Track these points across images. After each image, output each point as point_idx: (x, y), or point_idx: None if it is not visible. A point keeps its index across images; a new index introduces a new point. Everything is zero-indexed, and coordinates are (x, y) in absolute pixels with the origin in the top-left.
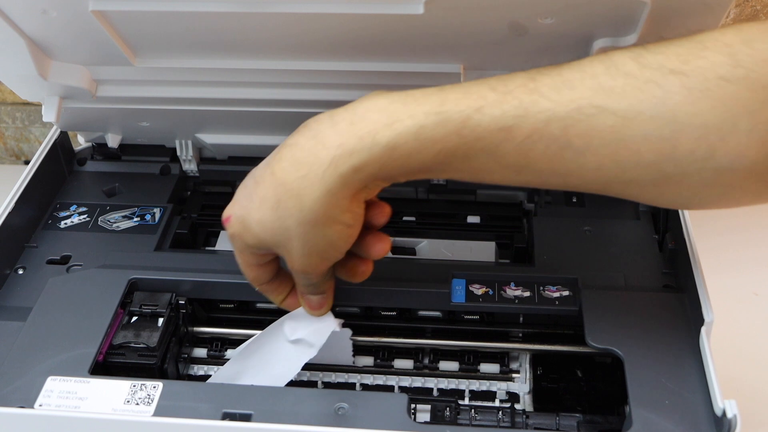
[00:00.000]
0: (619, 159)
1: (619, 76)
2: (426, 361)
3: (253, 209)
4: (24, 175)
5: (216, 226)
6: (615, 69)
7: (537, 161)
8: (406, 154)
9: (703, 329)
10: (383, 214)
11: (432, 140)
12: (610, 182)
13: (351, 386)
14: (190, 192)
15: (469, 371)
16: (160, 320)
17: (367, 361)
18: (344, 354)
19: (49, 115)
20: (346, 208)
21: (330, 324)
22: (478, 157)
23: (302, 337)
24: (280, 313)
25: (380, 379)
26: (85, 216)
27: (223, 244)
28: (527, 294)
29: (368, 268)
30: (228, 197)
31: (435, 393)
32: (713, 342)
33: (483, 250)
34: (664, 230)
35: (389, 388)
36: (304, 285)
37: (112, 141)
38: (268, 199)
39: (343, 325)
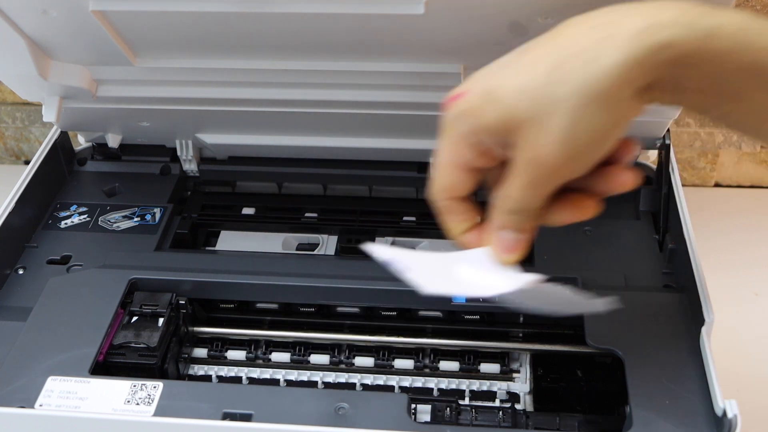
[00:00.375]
0: None
1: None
2: (426, 361)
3: (512, 76)
4: (24, 175)
5: (216, 226)
6: None
7: None
8: (724, 49)
9: (704, 329)
10: (632, 148)
11: (754, 44)
12: None
13: (351, 386)
14: (190, 192)
15: (469, 371)
16: (161, 320)
17: (368, 361)
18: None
19: (49, 115)
20: (633, 95)
21: (519, 278)
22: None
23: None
24: (280, 313)
25: (380, 379)
26: (85, 216)
27: (223, 244)
28: None
29: (593, 204)
30: (228, 197)
31: (435, 393)
32: (713, 342)
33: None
34: (665, 230)
35: (389, 388)
36: (510, 211)
37: (113, 141)
38: (541, 63)
39: (344, 325)
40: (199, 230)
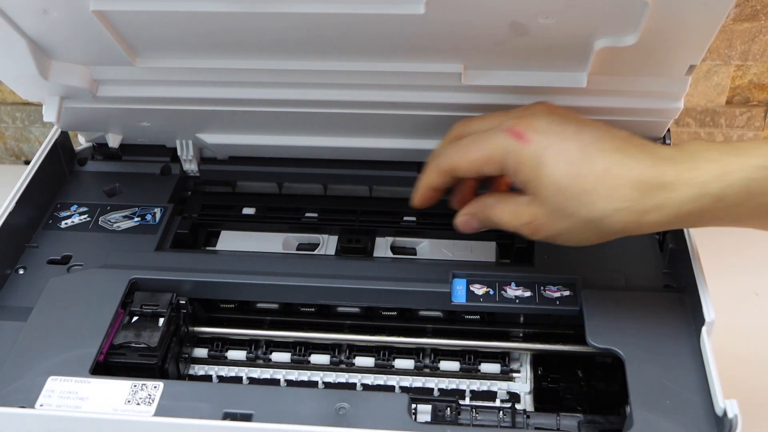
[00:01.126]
0: None
1: None
2: (427, 360)
3: (553, 149)
4: (24, 175)
5: (216, 226)
6: None
7: None
8: (733, 204)
9: (704, 329)
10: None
11: (760, 192)
12: None
13: (352, 386)
14: (190, 192)
15: (469, 371)
16: (161, 320)
17: (368, 361)
18: None
19: (49, 115)
20: (625, 228)
21: None
22: None
23: None
24: (280, 313)
25: (381, 379)
26: (85, 216)
27: (223, 244)
28: (528, 294)
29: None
30: (228, 197)
31: (436, 393)
32: (714, 342)
33: (483, 250)
34: (665, 230)
35: (390, 388)
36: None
37: (113, 141)
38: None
39: (344, 325)
40: (199, 230)
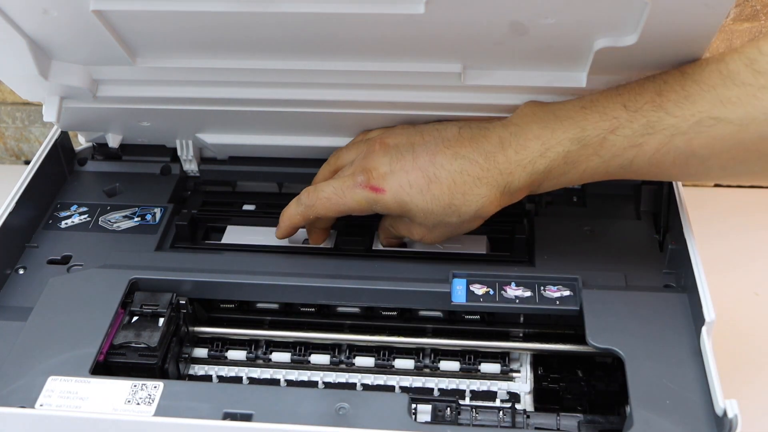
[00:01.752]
0: (741, 158)
1: (735, 86)
2: (427, 360)
3: (404, 186)
4: (24, 175)
5: (216, 221)
6: (731, 80)
7: (667, 170)
8: (557, 175)
9: (704, 329)
10: None
11: (577, 162)
12: (738, 174)
13: (352, 386)
14: (190, 192)
15: (469, 371)
16: (161, 320)
17: (368, 361)
18: None
19: (49, 114)
20: (492, 211)
21: None
22: (616, 172)
23: None
24: (280, 313)
25: (381, 379)
26: (85, 216)
27: (228, 237)
28: (528, 294)
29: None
30: (228, 196)
31: (436, 393)
32: (714, 342)
33: (474, 243)
34: (665, 230)
35: (390, 388)
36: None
37: (113, 141)
38: (417, 186)
39: (344, 325)
40: (198, 224)
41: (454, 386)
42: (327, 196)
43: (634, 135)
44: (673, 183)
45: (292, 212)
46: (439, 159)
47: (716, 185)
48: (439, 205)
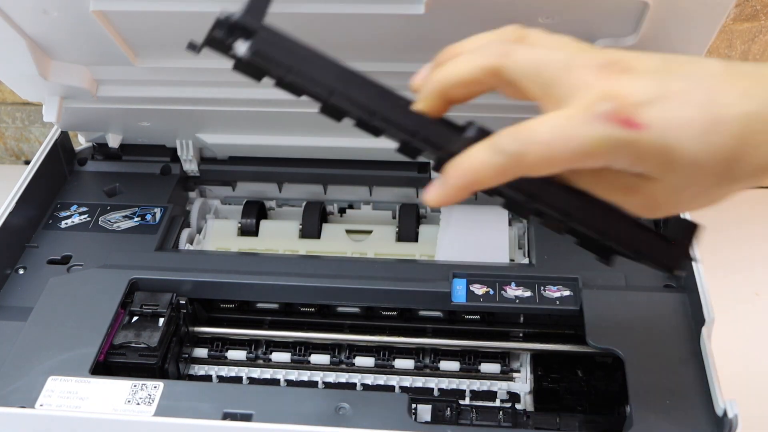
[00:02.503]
0: None
1: None
2: (427, 360)
3: (674, 123)
4: (24, 175)
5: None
6: None
7: None
8: None
9: (704, 329)
10: None
11: None
12: None
13: (352, 386)
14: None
15: (469, 371)
16: (161, 320)
17: (368, 361)
18: None
19: (49, 114)
20: None
21: None
22: None
23: None
24: (280, 313)
25: (381, 379)
26: (85, 216)
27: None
28: (528, 294)
29: None
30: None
31: (436, 393)
32: (714, 342)
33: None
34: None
35: (390, 388)
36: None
37: (113, 141)
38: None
39: (344, 325)
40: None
41: (454, 386)
42: (547, 139)
43: None
44: None
45: (479, 164)
46: (722, 96)
47: None
48: (718, 158)
